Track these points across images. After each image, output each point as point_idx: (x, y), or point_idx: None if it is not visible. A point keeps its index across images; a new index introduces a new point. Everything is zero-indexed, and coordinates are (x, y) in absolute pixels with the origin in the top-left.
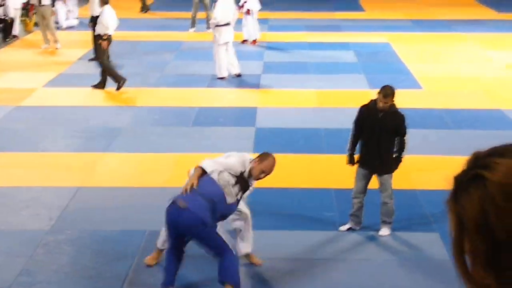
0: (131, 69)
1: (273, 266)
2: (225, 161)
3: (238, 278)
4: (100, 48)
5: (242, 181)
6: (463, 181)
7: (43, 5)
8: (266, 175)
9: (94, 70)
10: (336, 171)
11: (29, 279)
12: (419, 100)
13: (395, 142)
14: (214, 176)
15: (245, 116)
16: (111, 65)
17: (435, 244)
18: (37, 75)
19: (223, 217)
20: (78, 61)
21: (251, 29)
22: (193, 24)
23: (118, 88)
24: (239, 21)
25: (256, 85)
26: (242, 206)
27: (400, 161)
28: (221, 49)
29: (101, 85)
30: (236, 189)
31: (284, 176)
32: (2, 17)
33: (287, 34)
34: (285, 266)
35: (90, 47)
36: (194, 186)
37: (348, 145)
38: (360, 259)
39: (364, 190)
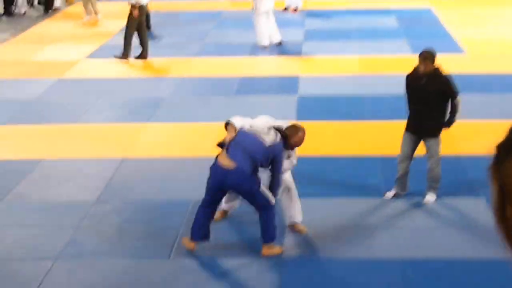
0: (171, 39)
1: (318, 233)
2: (252, 121)
3: (274, 235)
4: (131, 17)
5: (275, 129)
6: (505, 147)
7: None
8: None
9: (135, 41)
10: (380, 138)
11: (77, 250)
12: (461, 64)
13: (445, 106)
14: (246, 129)
15: (288, 84)
16: (131, 38)
17: (482, 210)
18: (79, 47)
19: (270, 164)
20: (119, 32)
21: None
22: None
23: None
24: None
25: (298, 53)
26: (287, 176)
27: (452, 123)
28: (261, 17)
29: (143, 55)
30: (271, 135)
31: (327, 144)
32: None
33: (327, 0)
34: (330, 233)
35: None
36: (232, 140)
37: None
38: (405, 225)
39: (410, 156)
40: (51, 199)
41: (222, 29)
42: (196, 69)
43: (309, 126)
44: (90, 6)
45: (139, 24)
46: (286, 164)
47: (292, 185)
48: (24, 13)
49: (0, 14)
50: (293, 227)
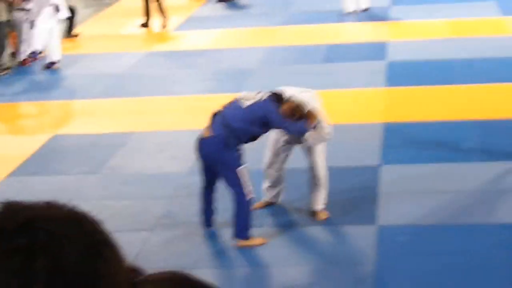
0: (257, 9)
1: (415, 199)
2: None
3: (244, 233)
4: None
5: (272, 94)
6: None
7: None
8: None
9: (221, 12)
10: (472, 102)
11: (172, 220)
12: None
13: None
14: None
15: (376, 50)
16: (147, 7)
17: None
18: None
19: (264, 127)
20: (206, 3)
21: None
22: None
23: (142, 25)
24: None
25: (385, 18)
26: (319, 165)
27: None
28: None
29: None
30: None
31: (419, 109)
32: None
33: None
34: (430, 199)
35: None
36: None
37: None
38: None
39: None
40: (144, 171)
41: None
42: (284, 38)
43: (399, 91)
44: None
45: None
46: (315, 135)
47: (321, 172)
48: None
49: None
50: (312, 214)
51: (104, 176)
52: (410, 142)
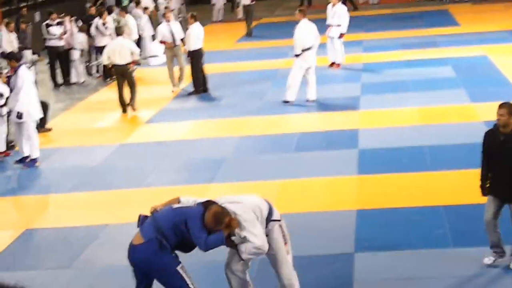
0: (230, 99)
1: (388, 287)
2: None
3: None
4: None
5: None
6: None
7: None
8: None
9: (193, 104)
10: (443, 188)
11: None
12: None
13: None
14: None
15: (347, 138)
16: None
17: None
18: (138, 113)
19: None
20: (178, 96)
21: (338, 52)
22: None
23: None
24: (322, 45)
25: (356, 107)
26: (283, 276)
27: None
28: (298, 72)
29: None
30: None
31: (391, 196)
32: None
33: (382, 54)
34: (399, 286)
35: (188, 81)
36: (155, 211)
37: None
38: (477, 278)
39: (495, 218)
40: (118, 263)
41: (279, 87)
42: (255, 127)
43: (371, 179)
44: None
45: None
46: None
47: (286, 281)
48: (83, 82)
49: (58, 84)
50: None
51: (77, 270)
52: (383, 229)
